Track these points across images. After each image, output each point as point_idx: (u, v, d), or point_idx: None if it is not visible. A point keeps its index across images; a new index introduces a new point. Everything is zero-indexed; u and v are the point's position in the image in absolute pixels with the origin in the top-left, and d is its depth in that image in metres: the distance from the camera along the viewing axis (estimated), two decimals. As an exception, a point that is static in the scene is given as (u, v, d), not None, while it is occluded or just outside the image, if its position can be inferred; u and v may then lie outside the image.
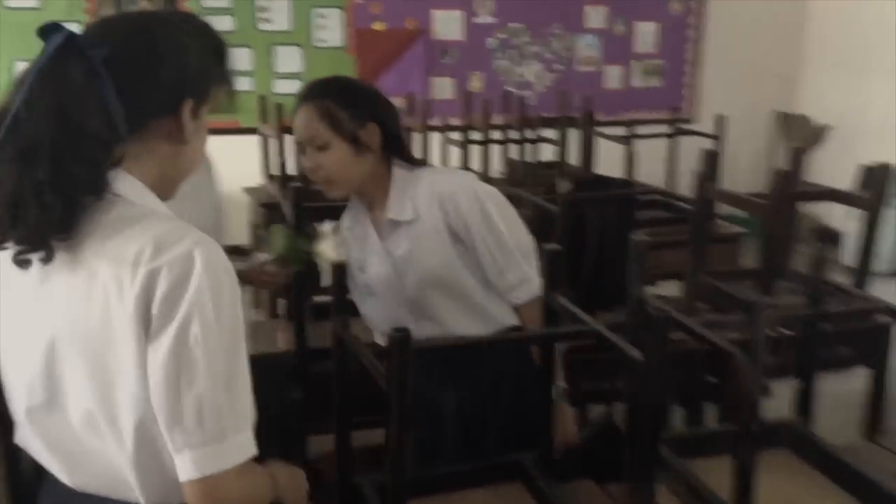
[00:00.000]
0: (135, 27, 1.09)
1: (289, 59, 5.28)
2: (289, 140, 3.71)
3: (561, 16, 5.74)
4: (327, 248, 1.79)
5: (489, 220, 1.73)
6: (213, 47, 1.15)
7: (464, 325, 1.78)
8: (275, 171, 4.08)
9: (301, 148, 1.72)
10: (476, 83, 5.64)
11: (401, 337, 1.18)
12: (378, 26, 5.40)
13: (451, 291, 1.76)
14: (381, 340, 1.90)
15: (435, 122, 4.55)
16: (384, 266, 1.78)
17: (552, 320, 1.54)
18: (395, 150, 1.77)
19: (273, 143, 4.10)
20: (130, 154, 1.05)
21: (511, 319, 1.81)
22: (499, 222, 1.73)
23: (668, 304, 2.69)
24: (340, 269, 1.57)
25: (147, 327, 0.96)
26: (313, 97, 1.70)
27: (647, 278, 2.80)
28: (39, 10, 4.80)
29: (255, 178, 4.39)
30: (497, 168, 4.40)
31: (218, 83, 1.14)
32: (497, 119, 4.62)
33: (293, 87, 5.25)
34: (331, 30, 5.34)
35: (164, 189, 1.12)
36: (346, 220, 1.87)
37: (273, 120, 4.01)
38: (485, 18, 5.61)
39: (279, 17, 5.23)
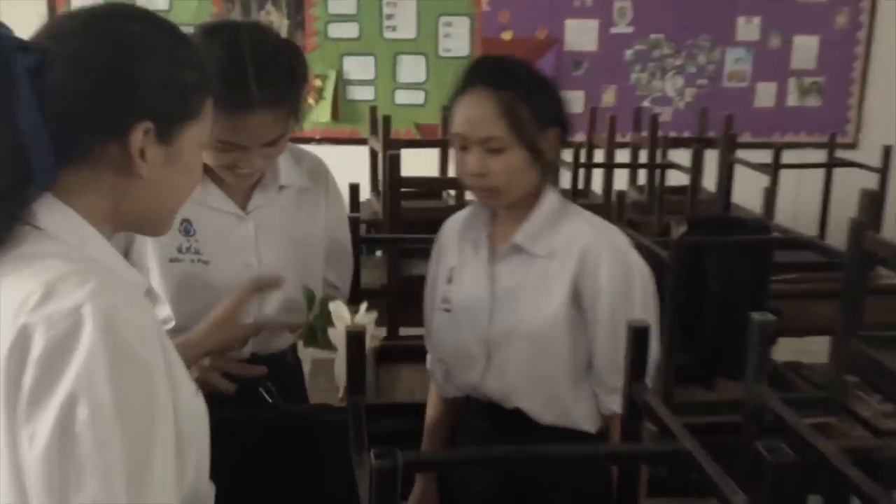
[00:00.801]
0: (83, 28, 0.89)
1: (412, 69, 5.09)
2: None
3: (708, 27, 5.26)
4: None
5: (629, 304, 1.40)
6: (193, 57, 0.95)
7: (530, 401, 1.45)
8: (382, 185, 3.86)
9: (463, 143, 1.40)
10: (609, 97, 5.25)
11: (386, 467, 0.87)
12: (506, 36, 5.13)
13: (538, 359, 1.44)
14: (437, 375, 1.59)
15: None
16: (480, 290, 1.47)
17: (633, 420, 1.18)
18: (552, 167, 1.49)
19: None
20: (67, 182, 0.87)
21: (587, 424, 1.47)
22: (638, 306, 1.41)
23: (810, 373, 2.28)
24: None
25: (14, 403, 0.73)
26: (493, 84, 1.38)
27: (786, 332, 2.39)
28: (168, 13, 4.81)
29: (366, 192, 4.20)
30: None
31: (201, 99, 0.94)
32: (627, 137, 4.25)
33: (415, 97, 5.07)
34: (457, 39, 5.11)
35: (133, 225, 0.96)
36: (462, 217, 1.56)
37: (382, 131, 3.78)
38: (622, 28, 5.21)
39: (405, 25, 5.05)
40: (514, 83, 1.38)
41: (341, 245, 1.67)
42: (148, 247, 1.45)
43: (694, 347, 1.76)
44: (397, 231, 2.70)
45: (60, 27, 0.89)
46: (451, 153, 2.73)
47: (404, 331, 2.57)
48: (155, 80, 0.89)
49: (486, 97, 1.37)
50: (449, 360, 1.54)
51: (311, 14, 4.97)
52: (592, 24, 5.19)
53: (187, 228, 1.45)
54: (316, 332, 1.38)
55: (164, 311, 1.45)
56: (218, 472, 0.96)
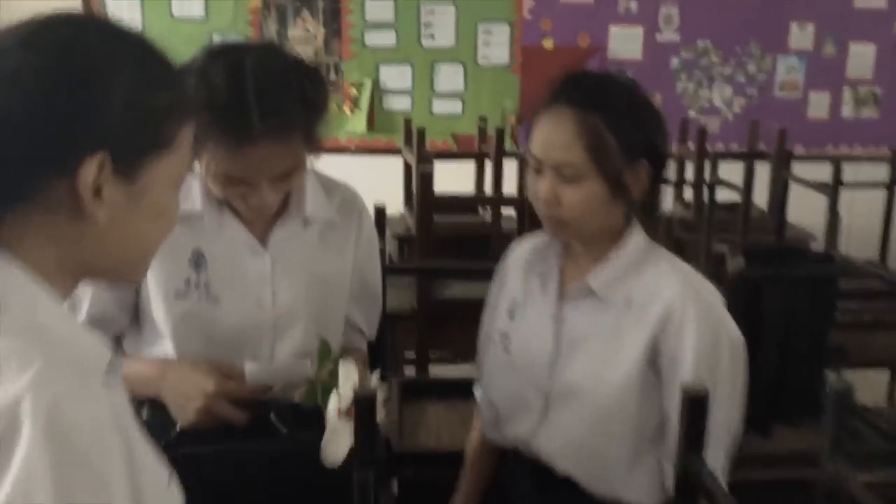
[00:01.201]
0: (26, 42, 0.73)
1: (450, 78, 4.95)
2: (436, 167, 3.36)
3: (759, 34, 5.04)
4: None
5: (715, 375, 1.21)
6: (165, 75, 0.81)
7: (585, 469, 1.28)
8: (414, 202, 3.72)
9: (537, 166, 1.25)
10: (654, 108, 5.06)
11: None
12: (548, 44, 4.96)
13: (601, 422, 1.26)
14: (485, 415, 1.42)
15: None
16: (543, 333, 1.31)
17: (686, 498, 1.01)
18: (648, 205, 1.30)
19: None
20: (10, 231, 0.73)
21: (646, 500, 1.29)
22: (724, 378, 1.22)
23: (873, 417, 2.08)
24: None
25: None
26: (578, 103, 1.22)
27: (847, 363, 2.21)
28: (204, 21, 4.74)
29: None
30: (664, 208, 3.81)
31: (174, 126, 0.79)
32: (673, 149, 4.05)
33: (452, 107, 4.94)
34: (496, 47, 4.96)
35: (98, 275, 0.82)
36: (532, 244, 1.40)
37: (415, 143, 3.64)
38: (669, 35, 5.02)
39: (444, 33, 4.92)
40: (603, 105, 1.22)
41: (370, 286, 1.53)
42: (151, 276, 1.32)
43: (750, 391, 1.59)
44: (428, 250, 2.56)
45: (25, 33, 0.74)
46: (488, 166, 2.58)
47: (435, 365, 2.43)
48: (113, 102, 0.73)
49: (567, 118, 1.21)
50: (501, 406, 1.39)
51: (347, 21, 4.86)
52: (637, 32, 5.00)
53: (198, 261, 1.33)
54: (317, 392, 1.22)
55: (165, 348, 1.33)
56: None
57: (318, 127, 1.27)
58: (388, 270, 1.83)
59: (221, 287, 1.32)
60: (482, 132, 4.02)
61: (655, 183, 1.28)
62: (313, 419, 1.22)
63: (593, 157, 1.20)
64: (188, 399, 1.20)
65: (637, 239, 1.29)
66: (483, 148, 3.88)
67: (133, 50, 0.77)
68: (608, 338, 1.26)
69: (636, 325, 1.24)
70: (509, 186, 3.46)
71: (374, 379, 1.21)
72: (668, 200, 3.89)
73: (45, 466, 0.62)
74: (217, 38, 4.77)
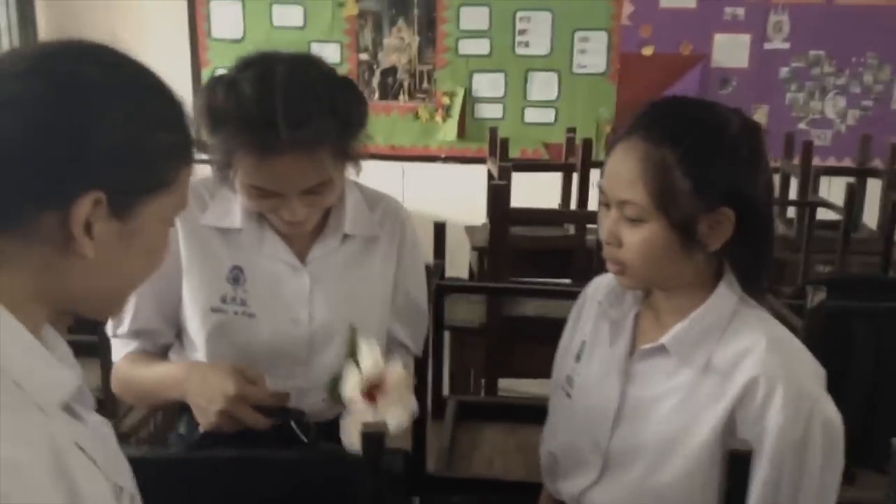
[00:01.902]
0: (29, 69, 0.73)
1: (544, 86, 4.86)
2: (516, 179, 3.27)
3: (877, 44, 4.72)
4: (390, 407, 1.13)
5: (800, 461, 1.05)
6: (169, 113, 0.80)
7: None
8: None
9: (605, 199, 1.14)
10: (760, 118, 4.81)
11: None
12: (647, 51, 4.80)
13: (657, 493, 1.13)
14: (544, 469, 1.31)
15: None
16: (609, 386, 1.18)
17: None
18: (743, 262, 1.13)
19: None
20: None
21: None
22: (813, 470, 1.06)
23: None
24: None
25: None
26: (651, 136, 1.08)
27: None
28: (303, 30, 4.82)
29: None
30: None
31: (173, 167, 0.79)
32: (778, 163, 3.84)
33: (545, 116, 4.85)
34: (593, 54, 4.83)
35: (71, 307, 0.79)
36: (611, 283, 1.24)
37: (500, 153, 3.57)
38: (778, 44, 4.77)
39: (539, 41, 4.83)
40: (677, 140, 1.06)
41: (414, 301, 1.48)
42: (188, 291, 1.31)
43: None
44: (502, 264, 2.49)
45: (3, 67, 0.74)
46: (575, 178, 2.43)
47: (504, 383, 2.35)
48: (114, 139, 0.73)
49: (637, 152, 1.07)
50: (559, 456, 1.26)
51: (442, 30, 4.84)
52: (744, 39, 4.77)
53: (237, 276, 1.31)
54: (337, 384, 1.16)
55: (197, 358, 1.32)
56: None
57: (349, 141, 1.22)
58: (447, 289, 1.77)
59: (258, 303, 1.30)
60: (570, 142, 3.91)
61: (748, 235, 1.10)
62: (335, 430, 1.18)
63: (658, 199, 1.06)
64: (209, 401, 1.18)
65: (726, 297, 1.12)
66: (571, 159, 3.77)
67: (136, 88, 0.77)
68: (680, 405, 1.12)
69: (714, 394, 1.09)
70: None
71: (400, 364, 1.16)
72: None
73: None
74: (315, 47, 4.85)
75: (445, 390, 2.32)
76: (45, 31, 4.94)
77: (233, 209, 1.31)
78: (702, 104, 1.14)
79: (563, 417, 1.26)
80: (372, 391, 1.13)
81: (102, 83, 0.74)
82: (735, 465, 0.89)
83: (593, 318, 1.26)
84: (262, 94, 1.14)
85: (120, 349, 1.35)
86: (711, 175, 1.06)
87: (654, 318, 1.18)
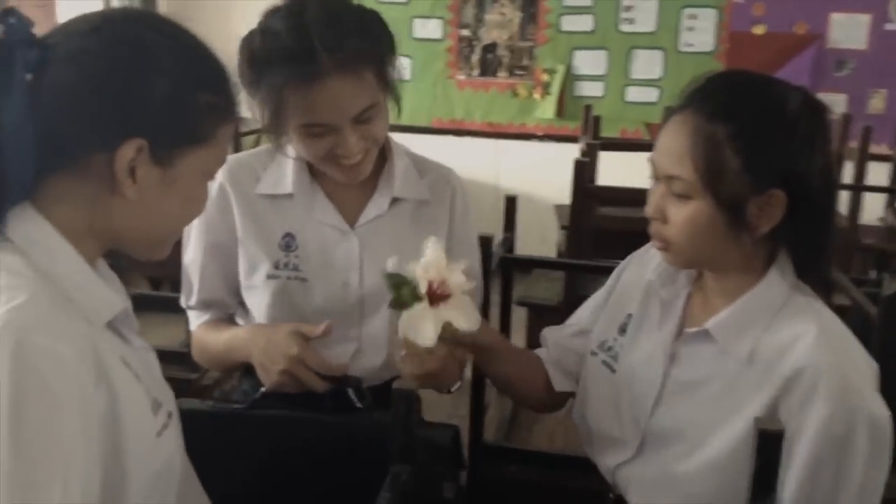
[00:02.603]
0: (93, 28, 0.83)
1: (647, 65, 4.74)
2: (604, 158, 3.23)
3: None
4: (456, 312, 1.11)
5: (843, 459, 1.00)
6: (213, 77, 0.89)
7: None
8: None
9: (655, 174, 1.10)
10: (877, 103, 4.56)
11: None
12: (759, 30, 4.61)
13: (691, 478, 1.10)
14: (580, 427, 1.30)
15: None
16: (653, 367, 1.16)
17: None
18: (798, 249, 1.08)
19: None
20: (49, 190, 0.82)
21: None
22: (855, 471, 1.00)
23: None
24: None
25: None
26: (704, 110, 1.04)
27: None
28: (406, 5, 4.86)
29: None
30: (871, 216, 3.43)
31: (213, 124, 0.87)
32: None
33: (647, 95, 4.74)
34: (701, 32, 4.68)
35: (121, 245, 0.89)
36: (659, 267, 1.20)
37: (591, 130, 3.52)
38: (901, 24, 4.49)
39: (644, 18, 4.71)
40: (732, 115, 1.02)
41: (466, 268, 1.48)
42: (243, 260, 1.36)
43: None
44: (584, 243, 2.47)
45: (73, 26, 0.83)
46: None
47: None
48: (159, 95, 0.82)
49: (689, 126, 1.03)
50: (594, 428, 1.25)
51: (544, 6, 4.80)
52: (863, 19, 4.51)
53: (289, 243, 1.35)
54: (403, 289, 1.11)
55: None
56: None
57: (387, 65, 1.23)
58: (509, 262, 1.78)
59: (310, 268, 1.34)
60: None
61: (801, 220, 1.04)
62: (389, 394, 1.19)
63: (706, 177, 1.02)
64: (272, 362, 1.23)
65: (776, 285, 1.07)
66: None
67: (183, 51, 0.85)
68: (722, 391, 1.08)
69: (757, 384, 1.05)
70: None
71: (461, 267, 1.12)
72: (878, 207, 3.51)
73: (5, 383, 0.68)
74: (417, 23, 4.89)
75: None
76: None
77: (284, 176, 1.35)
78: (761, 79, 1.08)
79: (602, 389, 1.24)
80: (433, 294, 1.11)
81: (153, 45, 0.82)
82: (766, 443, 0.86)
83: (641, 294, 1.23)
84: (295, 27, 1.16)
85: (195, 319, 1.43)
86: (764, 154, 1.01)
87: (704, 300, 1.15)
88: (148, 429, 0.84)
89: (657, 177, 1.09)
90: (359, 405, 1.26)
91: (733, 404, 1.06)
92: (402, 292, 1.11)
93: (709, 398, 1.09)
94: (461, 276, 1.13)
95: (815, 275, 1.09)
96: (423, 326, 1.10)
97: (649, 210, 1.10)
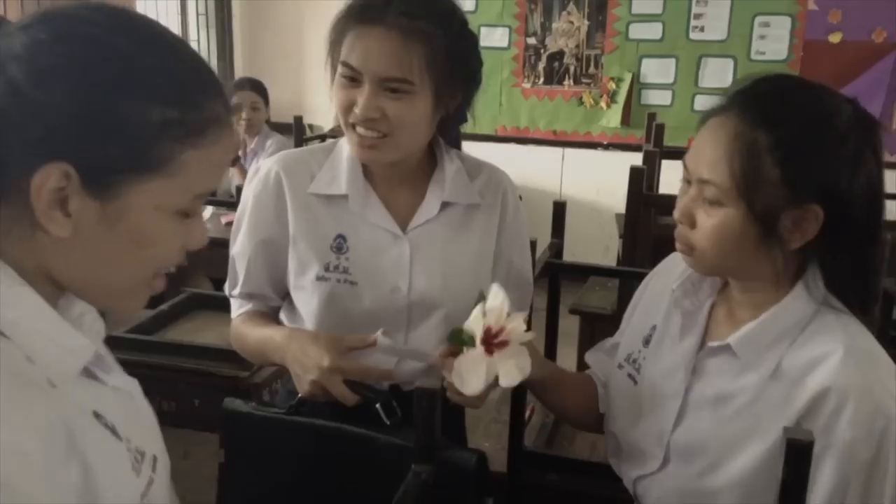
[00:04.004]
0: (39, 19, 0.68)
1: (717, 73, 4.65)
2: (668, 167, 3.18)
3: None
4: (509, 364, 1.10)
5: (873, 480, 0.97)
6: (180, 87, 0.71)
7: None
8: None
9: (687, 176, 1.08)
10: (962, 115, 4.37)
11: None
12: (835, 38, 4.48)
13: (713, 495, 1.08)
14: (607, 440, 1.29)
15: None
16: (674, 377, 1.14)
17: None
18: (832, 266, 1.03)
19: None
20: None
21: None
22: (886, 493, 0.98)
23: None
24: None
25: None
26: (747, 115, 1.00)
27: None
28: (475, 13, 4.88)
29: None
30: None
31: (174, 150, 0.70)
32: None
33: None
34: (774, 40, 4.57)
35: (77, 293, 0.75)
36: (692, 280, 1.17)
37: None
38: None
39: (715, 25, 4.63)
40: (776, 123, 0.97)
41: (517, 270, 1.46)
42: (294, 260, 1.37)
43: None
44: (638, 251, 2.43)
45: (30, 17, 0.69)
46: None
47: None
48: (94, 108, 0.66)
49: (728, 130, 0.99)
50: (621, 440, 1.23)
51: (613, 14, 4.75)
52: (948, 26, 4.34)
53: (340, 245, 1.35)
54: (462, 332, 1.13)
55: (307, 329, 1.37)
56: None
57: (445, 68, 1.22)
58: (556, 267, 1.76)
59: (360, 271, 1.33)
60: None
61: (836, 239, 0.99)
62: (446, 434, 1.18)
63: (741, 184, 0.97)
64: (305, 370, 1.23)
65: (802, 299, 1.03)
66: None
67: (130, 55, 0.68)
68: (746, 407, 1.04)
69: (783, 401, 1.01)
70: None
71: (521, 318, 1.10)
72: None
73: None
74: (484, 32, 4.91)
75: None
76: (240, 18, 5.33)
77: (339, 176, 1.35)
78: (812, 87, 1.03)
79: (627, 402, 1.21)
80: (490, 341, 1.11)
81: (88, 42, 0.67)
82: (795, 455, 0.84)
83: (666, 304, 1.19)
84: None
85: (236, 308, 1.44)
86: (806, 168, 0.97)
87: (728, 312, 1.11)
88: (130, 493, 0.73)
89: (689, 179, 1.05)
90: (387, 422, 1.24)
91: (757, 421, 1.03)
92: (461, 337, 1.12)
93: (732, 414, 1.05)
94: (521, 326, 1.11)
95: (852, 299, 1.04)
96: (472, 376, 1.09)
97: (677, 213, 1.06)
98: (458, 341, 1.13)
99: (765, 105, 1.00)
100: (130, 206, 0.69)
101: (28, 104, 0.65)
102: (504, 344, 1.09)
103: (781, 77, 1.07)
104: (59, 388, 0.68)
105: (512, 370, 1.10)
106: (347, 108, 1.25)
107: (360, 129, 1.25)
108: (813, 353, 1.00)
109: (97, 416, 0.71)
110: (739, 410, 1.05)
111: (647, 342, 1.20)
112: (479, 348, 1.09)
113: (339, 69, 1.23)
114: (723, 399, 1.07)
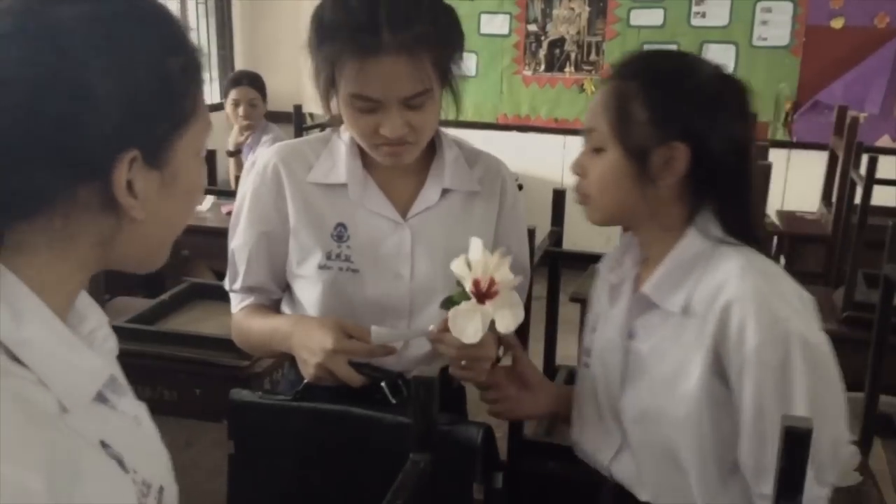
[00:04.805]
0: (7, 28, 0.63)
1: (719, 59, 4.46)
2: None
3: None
4: (502, 310, 1.15)
5: (783, 384, 1.05)
6: (166, 31, 0.70)
7: (667, 497, 1.16)
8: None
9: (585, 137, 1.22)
10: (965, 101, 4.35)
11: None
12: (837, 24, 4.45)
13: (676, 447, 1.14)
14: (573, 426, 1.33)
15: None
16: (613, 349, 1.21)
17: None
18: (714, 199, 1.15)
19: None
20: (17, 239, 0.66)
21: None
22: (798, 394, 1.04)
23: None
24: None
25: None
26: (621, 74, 1.17)
27: None
28: (473, 0, 4.85)
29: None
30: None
31: (193, 87, 0.72)
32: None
33: (718, 91, 4.62)
34: (776, 26, 4.55)
35: (120, 266, 0.75)
36: (615, 256, 1.29)
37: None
38: None
39: (717, 11, 4.61)
40: (640, 74, 1.13)
41: (515, 258, 1.47)
42: (295, 250, 1.37)
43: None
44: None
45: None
46: None
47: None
48: (125, 89, 0.65)
49: (608, 87, 1.15)
50: (584, 427, 1.29)
51: (614, 1, 4.73)
52: (951, 11, 4.32)
53: (340, 233, 1.35)
54: (453, 297, 1.17)
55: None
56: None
57: (449, 56, 1.23)
58: (555, 255, 1.76)
59: (361, 259, 1.34)
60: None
61: (705, 176, 1.11)
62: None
63: (616, 126, 1.11)
64: (310, 354, 1.23)
65: (696, 238, 1.13)
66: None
67: (124, 24, 0.67)
68: (669, 352, 1.13)
69: (697, 334, 1.10)
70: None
71: (506, 265, 1.15)
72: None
73: None
74: (485, 18, 4.89)
75: (558, 359, 2.31)
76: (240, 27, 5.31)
77: (337, 165, 1.35)
78: (682, 54, 1.26)
79: (583, 387, 1.29)
80: (480, 292, 1.15)
81: (88, 29, 0.64)
82: (791, 442, 0.84)
83: (598, 287, 1.31)
84: (367, 1, 1.18)
85: (237, 302, 1.44)
86: (668, 108, 1.10)
87: (644, 269, 1.22)
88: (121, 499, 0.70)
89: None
90: (392, 401, 1.25)
91: (682, 362, 1.11)
92: (453, 299, 1.16)
93: (660, 365, 1.14)
94: (508, 273, 1.16)
95: (741, 233, 1.13)
96: (468, 325, 1.14)
97: (572, 166, 1.19)
98: (451, 304, 1.17)
99: (636, 63, 1.17)
100: (180, 162, 0.71)
101: (68, 106, 0.63)
102: (494, 293, 1.15)
103: (657, 49, 1.32)
104: (71, 412, 0.66)
105: (506, 316, 1.15)
106: (371, 133, 1.25)
107: (386, 147, 1.26)
108: (716, 281, 1.10)
109: (104, 445, 0.69)
110: (666, 359, 1.13)
111: (593, 329, 1.28)
112: (472, 299, 1.14)
113: (350, 101, 1.22)
114: (654, 351, 1.15)
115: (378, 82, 1.19)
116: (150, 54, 0.67)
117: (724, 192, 1.13)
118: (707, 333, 1.08)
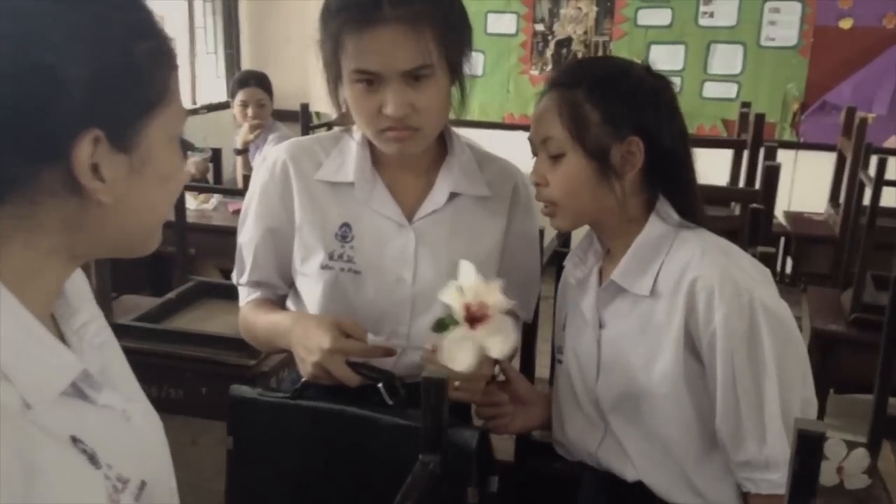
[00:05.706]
0: None
1: (727, 59, 4.62)
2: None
3: None
4: (494, 337, 1.15)
5: (754, 349, 1.11)
6: (132, 15, 0.70)
7: (653, 476, 1.21)
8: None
9: (533, 149, 1.26)
10: (974, 102, 4.32)
11: None
12: (845, 24, 4.43)
13: (656, 426, 1.20)
14: (554, 423, 1.37)
15: None
16: (587, 340, 1.27)
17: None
18: (667, 186, 1.22)
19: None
20: None
21: (726, 501, 1.18)
22: (768, 359, 1.11)
23: None
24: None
25: None
26: (562, 83, 1.22)
27: None
28: (480, 2, 4.83)
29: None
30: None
31: (164, 73, 0.71)
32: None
33: (726, 91, 4.62)
34: (784, 26, 4.53)
35: (103, 253, 0.75)
36: (577, 253, 1.35)
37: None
38: None
39: (725, 11, 4.59)
40: (583, 79, 1.20)
41: (523, 267, 1.44)
42: (299, 248, 1.37)
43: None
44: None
45: None
46: (745, 156, 2.32)
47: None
48: (87, 68, 0.63)
49: (552, 97, 1.21)
50: (565, 421, 1.33)
51: (621, 0, 4.71)
52: (960, 11, 4.29)
53: (345, 233, 1.34)
54: (444, 320, 1.16)
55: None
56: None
57: (451, 33, 1.21)
58: (562, 256, 1.75)
59: (364, 260, 1.32)
60: (744, 118, 3.70)
61: (661, 166, 1.18)
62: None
63: (573, 130, 1.17)
64: (308, 352, 1.23)
65: (657, 225, 1.20)
66: (743, 136, 3.57)
67: (91, 4, 0.66)
68: (642, 334, 1.19)
69: (668, 314, 1.16)
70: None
71: (500, 291, 1.14)
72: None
73: None
74: (492, 18, 4.88)
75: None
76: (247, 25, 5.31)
77: (346, 164, 1.34)
78: (606, 57, 1.38)
79: (559, 385, 1.33)
80: (471, 318, 1.14)
81: (52, 9, 0.64)
82: (804, 445, 0.83)
83: (564, 285, 1.37)
84: None
85: (244, 296, 1.44)
86: (617, 107, 1.17)
87: (608, 262, 1.28)
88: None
89: (535, 151, 1.24)
90: (389, 402, 1.24)
91: (655, 343, 1.17)
92: (444, 322, 1.15)
93: (635, 347, 1.19)
94: (499, 297, 1.15)
95: (693, 216, 1.21)
96: (460, 353, 1.14)
97: (533, 177, 1.24)
98: (442, 328, 1.16)
99: (572, 71, 1.25)
100: (151, 147, 0.70)
101: (26, 92, 0.62)
102: (486, 317, 1.14)
103: (583, 58, 1.54)
104: (34, 408, 0.64)
105: (498, 342, 1.15)
106: (375, 114, 1.23)
107: (390, 133, 1.24)
108: (680, 261, 1.17)
109: (75, 440, 0.67)
110: (640, 341, 1.19)
111: (564, 326, 1.34)
112: (463, 326, 1.13)
113: (353, 78, 1.21)
114: (625, 336, 1.21)
115: (377, 54, 1.18)
116: (115, 36, 0.66)
117: (675, 178, 1.21)
118: (676, 311, 1.14)
